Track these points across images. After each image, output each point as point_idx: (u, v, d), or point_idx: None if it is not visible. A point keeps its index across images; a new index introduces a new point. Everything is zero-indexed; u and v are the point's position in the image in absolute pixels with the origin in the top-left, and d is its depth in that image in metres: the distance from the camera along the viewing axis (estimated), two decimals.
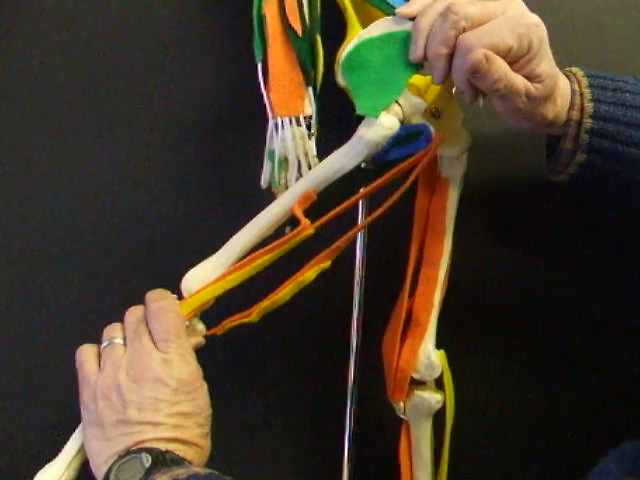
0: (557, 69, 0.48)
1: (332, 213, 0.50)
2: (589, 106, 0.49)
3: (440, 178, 0.56)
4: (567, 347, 0.64)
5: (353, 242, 0.57)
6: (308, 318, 0.61)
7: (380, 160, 0.50)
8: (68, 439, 0.50)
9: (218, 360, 0.59)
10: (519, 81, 0.46)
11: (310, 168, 0.51)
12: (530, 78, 0.46)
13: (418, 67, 0.48)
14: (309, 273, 0.51)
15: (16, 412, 0.63)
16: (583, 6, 0.62)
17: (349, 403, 0.56)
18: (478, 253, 0.63)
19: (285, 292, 0.52)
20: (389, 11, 0.49)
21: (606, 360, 0.63)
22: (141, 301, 0.52)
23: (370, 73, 0.49)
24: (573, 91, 0.49)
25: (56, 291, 0.62)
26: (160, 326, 0.49)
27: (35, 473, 0.49)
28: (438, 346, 0.56)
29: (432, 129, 0.50)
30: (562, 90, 0.48)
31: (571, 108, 0.49)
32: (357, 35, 0.49)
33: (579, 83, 0.49)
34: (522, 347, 0.64)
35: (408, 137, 0.50)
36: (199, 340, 0.53)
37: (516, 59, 0.45)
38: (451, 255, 0.57)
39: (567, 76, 0.50)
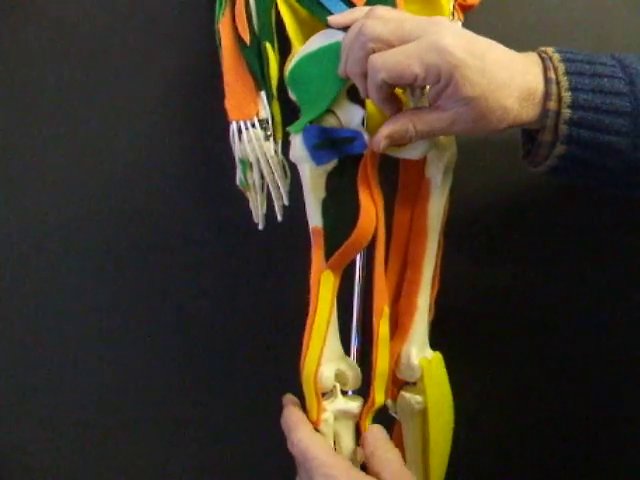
0: (496, 80, 0.45)
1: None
2: (567, 95, 0.46)
3: (424, 179, 0.55)
4: (564, 350, 0.61)
5: None
6: None
7: (319, 164, 0.51)
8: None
9: (218, 360, 0.63)
10: (432, 123, 0.47)
11: (270, 168, 0.54)
12: (455, 105, 0.45)
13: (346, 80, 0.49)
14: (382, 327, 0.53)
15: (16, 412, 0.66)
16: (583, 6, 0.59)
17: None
18: (475, 256, 0.62)
19: (381, 357, 0.53)
20: (324, 17, 0.50)
21: (600, 364, 0.61)
22: (141, 301, 0.58)
23: (310, 88, 0.51)
24: (549, 79, 0.47)
25: (55, 290, 0.64)
26: None
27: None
28: (436, 349, 0.56)
29: (366, 136, 0.50)
30: (513, 95, 0.46)
31: (548, 98, 0.47)
32: (299, 51, 0.51)
33: (555, 70, 0.47)
34: (519, 350, 0.62)
35: (339, 141, 0.51)
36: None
37: (426, 85, 0.46)
38: (440, 257, 0.56)
39: (542, 59, 0.48)
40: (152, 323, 0.63)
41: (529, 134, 0.51)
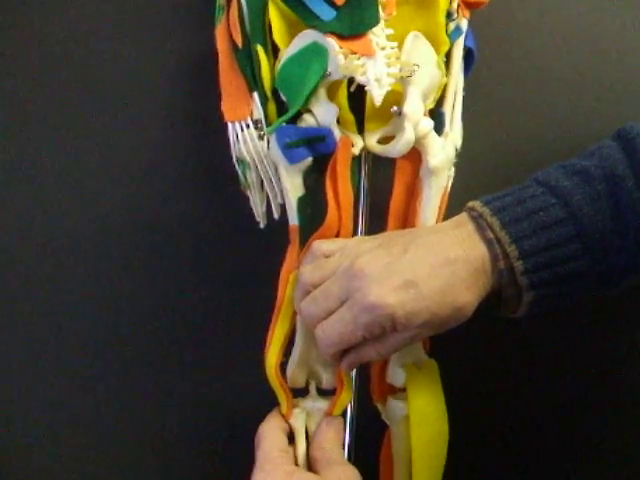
0: (437, 292, 0.44)
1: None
2: (512, 249, 0.45)
3: (417, 179, 0.55)
4: (559, 350, 0.61)
5: None
6: None
7: (292, 162, 0.52)
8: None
9: (219, 361, 0.64)
10: (395, 345, 0.47)
11: (265, 167, 0.55)
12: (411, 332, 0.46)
13: (322, 75, 0.49)
14: None
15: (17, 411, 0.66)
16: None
17: (349, 403, 0.56)
18: None
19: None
20: (308, 17, 0.51)
21: (597, 367, 0.61)
22: (140, 299, 0.61)
23: (294, 89, 0.52)
24: (489, 241, 0.45)
25: (55, 290, 0.65)
26: None
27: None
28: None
29: (337, 134, 0.51)
30: (462, 291, 0.45)
31: (495, 259, 0.45)
32: (284, 54, 0.52)
33: (491, 227, 0.46)
34: (520, 355, 0.61)
35: (312, 140, 0.51)
36: None
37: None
38: None
39: (473, 219, 0.47)
40: (152, 322, 0.65)
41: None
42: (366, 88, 0.49)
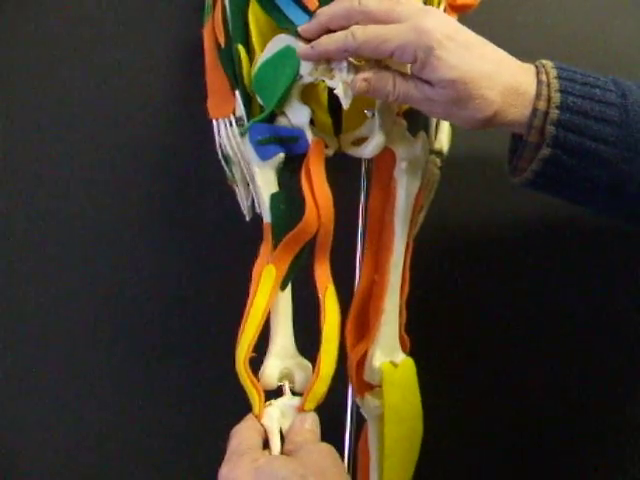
0: (479, 69, 0.46)
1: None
2: (556, 96, 0.46)
3: (392, 180, 0.55)
4: (547, 349, 0.62)
5: (353, 242, 0.59)
6: (308, 318, 0.64)
7: (264, 159, 0.53)
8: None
9: (219, 361, 0.63)
10: (412, 90, 0.47)
11: (246, 163, 0.57)
12: (432, 84, 0.46)
13: (293, 78, 0.50)
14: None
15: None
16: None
17: (350, 402, 0.57)
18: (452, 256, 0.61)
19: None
20: (283, 21, 0.52)
21: (586, 362, 0.62)
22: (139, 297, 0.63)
23: (268, 92, 0.53)
24: (540, 81, 0.47)
25: (54, 290, 0.66)
26: None
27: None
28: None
29: (310, 135, 0.52)
30: (496, 89, 0.46)
31: (537, 98, 0.47)
32: (259, 58, 0.54)
33: (547, 74, 0.47)
34: (502, 352, 0.62)
35: (284, 140, 0.52)
36: None
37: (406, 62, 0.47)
38: (408, 260, 0.56)
39: (536, 67, 0.48)
40: (146, 317, 0.67)
41: (517, 141, 0.50)
42: (335, 92, 0.50)
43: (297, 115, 0.52)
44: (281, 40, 0.52)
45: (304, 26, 0.50)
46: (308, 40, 0.50)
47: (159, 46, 0.65)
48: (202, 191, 0.66)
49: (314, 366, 0.52)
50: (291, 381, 0.54)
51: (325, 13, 0.49)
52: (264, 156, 0.53)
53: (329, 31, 0.49)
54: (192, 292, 0.66)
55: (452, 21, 0.48)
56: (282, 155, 0.53)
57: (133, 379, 0.67)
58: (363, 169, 0.57)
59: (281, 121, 0.53)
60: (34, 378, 0.66)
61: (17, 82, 0.65)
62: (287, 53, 0.51)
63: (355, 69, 0.49)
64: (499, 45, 0.59)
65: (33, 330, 0.66)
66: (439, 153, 0.58)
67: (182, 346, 0.67)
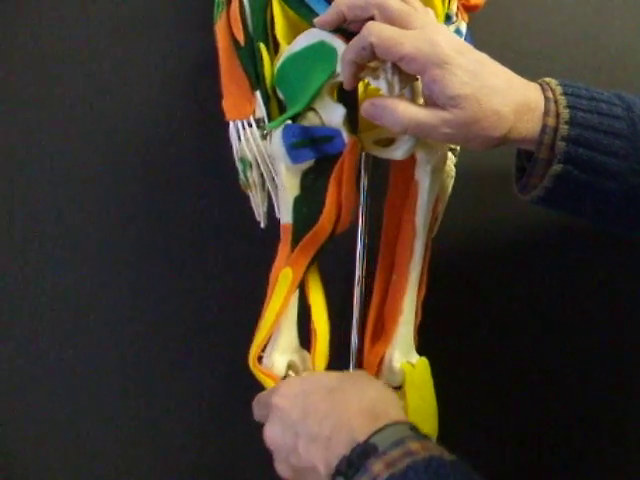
0: (492, 85, 0.45)
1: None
2: (565, 112, 0.46)
3: (413, 181, 0.55)
4: (554, 351, 0.62)
5: (353, 242, 0.58)
6: (308, 318, 0.63)
7: (295, 162, 0.51)
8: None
9: (220, 361, 0.65)
10: (421, 116, 0.46)
11: (267, 166, 0.55)
12: (445, 104, 0.45)
13: (330, 75, 0.49)
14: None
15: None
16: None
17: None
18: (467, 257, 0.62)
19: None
20: (310, 18, 0.50)
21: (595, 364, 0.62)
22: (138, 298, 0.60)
23: (295, 86, 0.51)
24: (547, 98, 0.47)
25: (54, 290, 0.65)
26: None
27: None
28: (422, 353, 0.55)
29: (345, 134, 0.50)
30: (509, 105, 0.45)
31: (546, 114, 0.46)
32: (285, 51, 0.52)
33: (553, 91, 0.47)
34: (511, 354, 0.63)
35: (318, 140, 0.51)
36: None
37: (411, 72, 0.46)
38: (427, 261, 0.56)
39: (540, 85, 0.48)
40: (153, 322, 0.65)
41: (524, 158, 0.50)
42: (381, 92, 0.49)
43: (332, 114, 0.51)
44: (314, 35, 0.50)
45: (321, 16, 0.49)
46: (343, 37, 0.49)
47: (163, 46, 0.63)
48: (208, 194, 0.63)
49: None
50: (296, 372, 0.55)
51: (343, 2, 0.48)
52: (296, 159, 0.51)
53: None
54: (192, 292, 0.65)
55: (460, 40, 0.48)
56: (313, 160, 0.52)
57: (133, 379, 0.66)
58: (363, 169, 0.57)
59: (310, 118, 0.51)
60: (34, 378, 0.65)
61: (17, 82, 0.61)
62: (321, 49, 0.49)
63: (399, 70, 0.48)
64: (500, 46, 0.62)
65: (33, 330, 0.64)
66: (453, 149, 0.59)
67: (182, 346, 0.65)
